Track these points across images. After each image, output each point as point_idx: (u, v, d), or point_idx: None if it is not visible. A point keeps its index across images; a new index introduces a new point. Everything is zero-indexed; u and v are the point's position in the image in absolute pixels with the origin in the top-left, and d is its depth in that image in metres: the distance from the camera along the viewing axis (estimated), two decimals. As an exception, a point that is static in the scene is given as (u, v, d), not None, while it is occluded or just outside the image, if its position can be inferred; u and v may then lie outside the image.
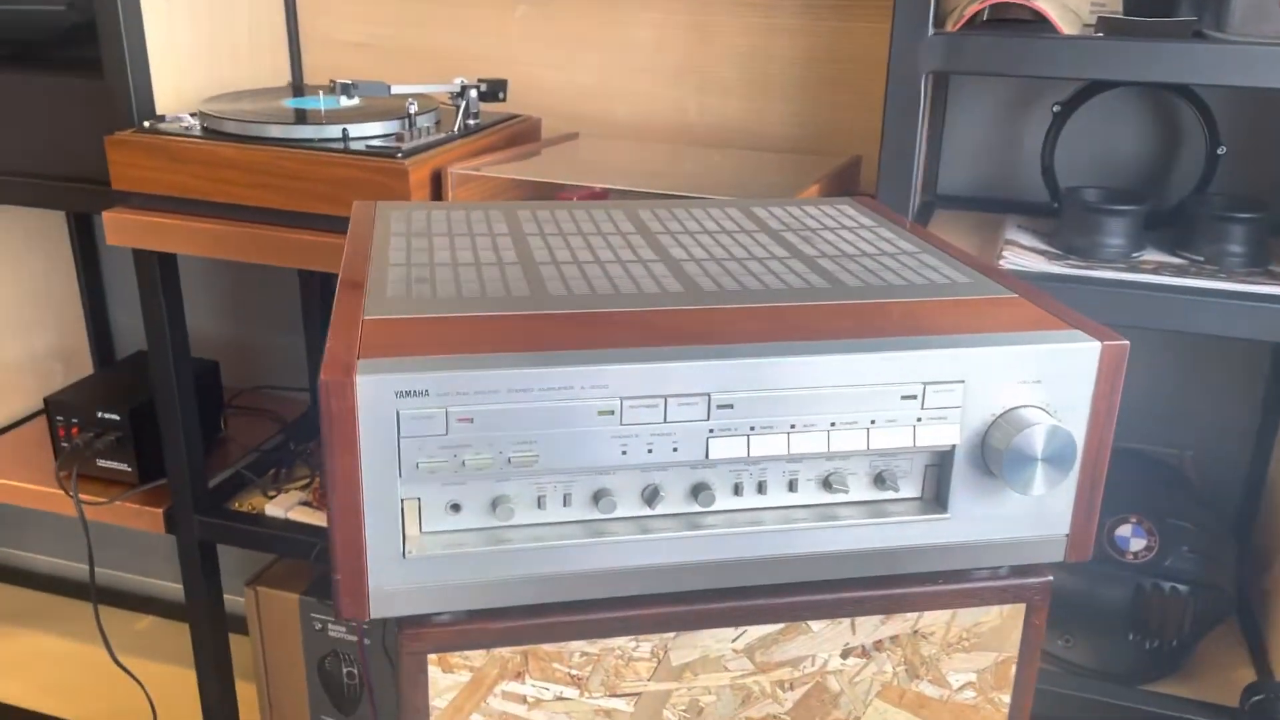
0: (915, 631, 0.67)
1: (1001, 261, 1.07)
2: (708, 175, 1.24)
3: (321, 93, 1.29)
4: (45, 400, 1.49)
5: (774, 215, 0.89)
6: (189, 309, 1.55)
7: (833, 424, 0.60)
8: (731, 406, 0.58)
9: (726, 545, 0.61)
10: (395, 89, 1.21)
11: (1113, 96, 1.25)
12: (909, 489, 0.64)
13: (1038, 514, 0.64)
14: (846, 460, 0.63)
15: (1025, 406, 0.61)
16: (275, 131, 1.17)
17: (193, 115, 1.23)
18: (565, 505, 0.60)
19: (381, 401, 0.54)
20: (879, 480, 0.63)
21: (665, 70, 1.41)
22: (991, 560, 0.65)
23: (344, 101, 1.17)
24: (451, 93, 1.27)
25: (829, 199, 0.96)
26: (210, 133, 1.20)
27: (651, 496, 0.60)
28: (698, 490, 0.61)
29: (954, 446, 0.62)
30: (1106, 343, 0.61)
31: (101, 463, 1.49)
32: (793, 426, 0.59)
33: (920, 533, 0.63)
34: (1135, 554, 1.21)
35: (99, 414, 1.47)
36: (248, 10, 1.44)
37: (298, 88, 1.47)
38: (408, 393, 0.54)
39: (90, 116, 1.27)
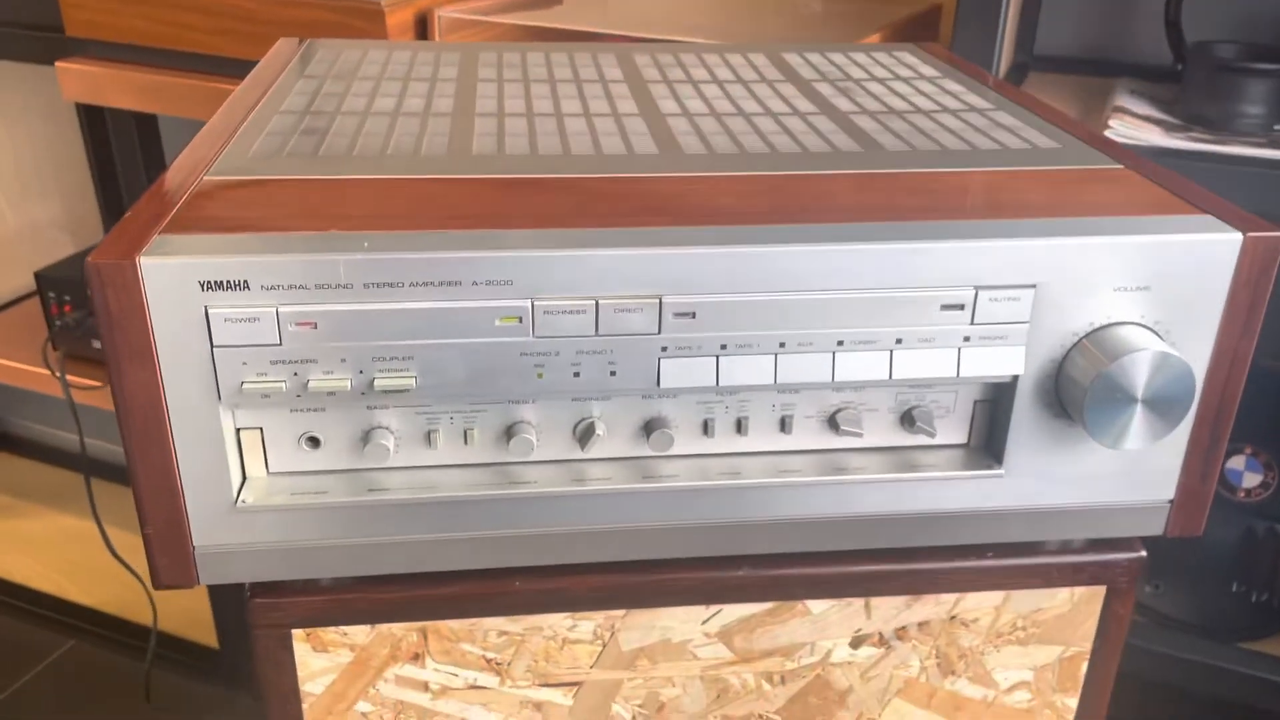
0: (952, 617, 0.50)
1: (1108, 132, 0.86)
2: (758, 25, 1.03)
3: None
4: (35, 275, 1.38)
5: (808, 62, 0.69)
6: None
7: (841, 342, 0.42)
8: (693, 315, 0.41)
9: (690, 504, 0.44)
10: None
11: (1265, -74, 0.99)
12: (949, 433, 0.46)
13: (1132, 473, 0.46)
14: (861, 392, 0.45)
15: (1123, 324, 0.43)
16: (241, -34, 1.00)
17: (156, -51, 1.06)
18: (465, 443, 0.44)
19: (182, 296, 0.38)
20: (907, 420, 0.46)
21: (711, -100, 1.18)
22: (1061, 532, 0.48)
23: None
24: (451, -77, 1.07)
25: (884, 45, 0.75)
26: (173, -30, 1.03)
27: (585, 434, 0.44)
28: (650, 427, 0.44)
29: (1016, 378, 0.44)
30: (1252, 234, 0.42)
31: (96, 343, 1.38)
32: (782, 345, 0.42)
33: (964, 493, 0.46)
34: (1248, 491, 1.01)
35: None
36: None
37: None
38: (218, 284, 0.38)
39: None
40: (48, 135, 1.62)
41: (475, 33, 0.98)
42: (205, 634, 1.54)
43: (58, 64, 1.05)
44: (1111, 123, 0.88)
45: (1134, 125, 0.88)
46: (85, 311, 1.36)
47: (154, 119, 1.26)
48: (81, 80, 1.05)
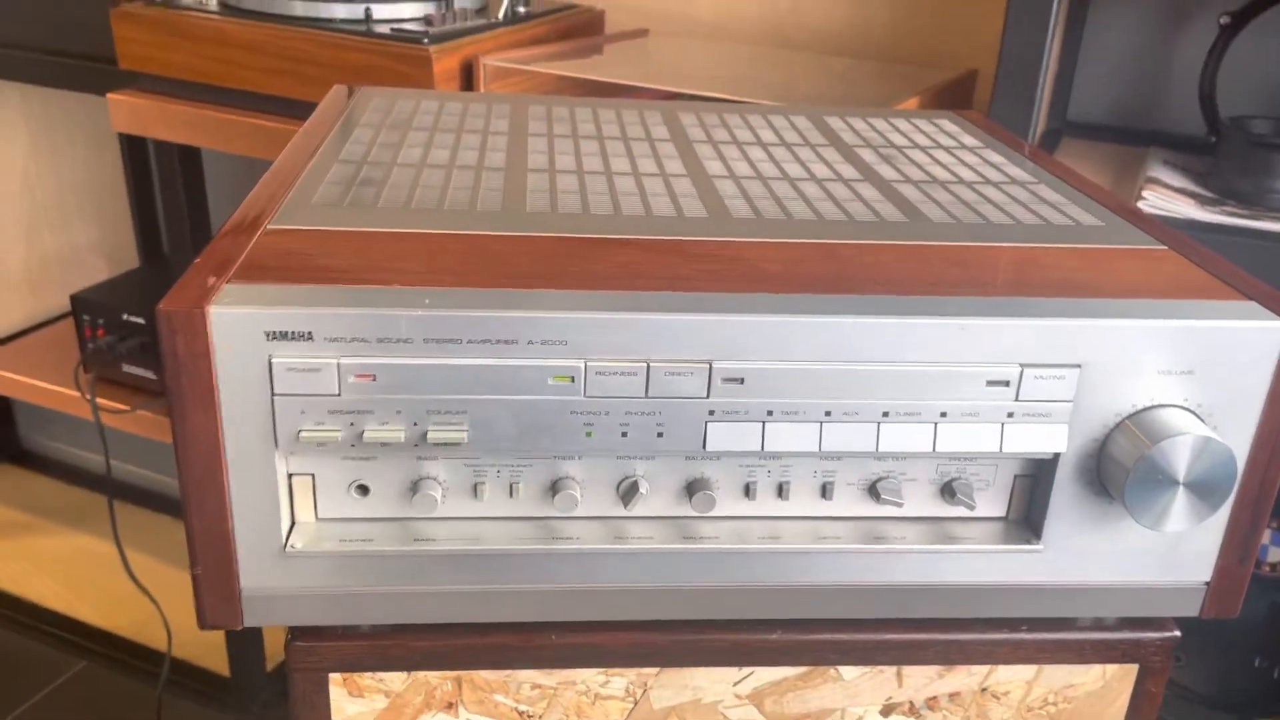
0: (984, 689, 0.50)
1: (1141, 203, 0.86)
2: (794, 83, 1.05)
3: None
4: (71, 298, 1.40)
5: (850, 127, 0.70)
6: (217, 204, 1.44)
7: (886, 414, 0.43)
8: (742, 381, 0.42)
9: (729, 566, 0.45)
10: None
11: (1301, 6, 1.00)
12: (989, 506, 0.47)
13: (1169, 553, 0.46)
14: (903, 462, 0.46)
15: (1166, 406, 0.43)
16: (294, 9, 1.02)
17: (210, -12, 1.09)
18: (511, 496, 0.45)
19: (247, 345, 0.39)
20: (948, 492, 0.46)
21: (753, -41, 1.21)
22: (1096, 609, 0.48)
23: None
24: (499, -26, 1.10)
25: (924, 112, 0.76)
26: (226, 8, 1.05)
27: (629, 493, 0.44)
28: (692, 489, 0.45)
29: (1058, 456, 0.44)
30: (1296, 323, 0.42)
31: (127, 367, 1.39)
32: (828, 414, 0.42)
33: (1002, 566, 0.46)
34: (1273, 566, 1.00)
35: (124, 316, 1.37)
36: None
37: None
38: (283, 334, 0.39)
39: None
40: (90, 162, 1.65)
41: (519, 80, 1.00)
42: (218, 662, 1.54)
43: (109, 96, 1.08)
44: (1145, 194, 0.89)
45: (1168, 197, 0.88)
46: (117, 336, 1.38)
47: (197, 152, 1.28)
48: (131, 112, 1.08)
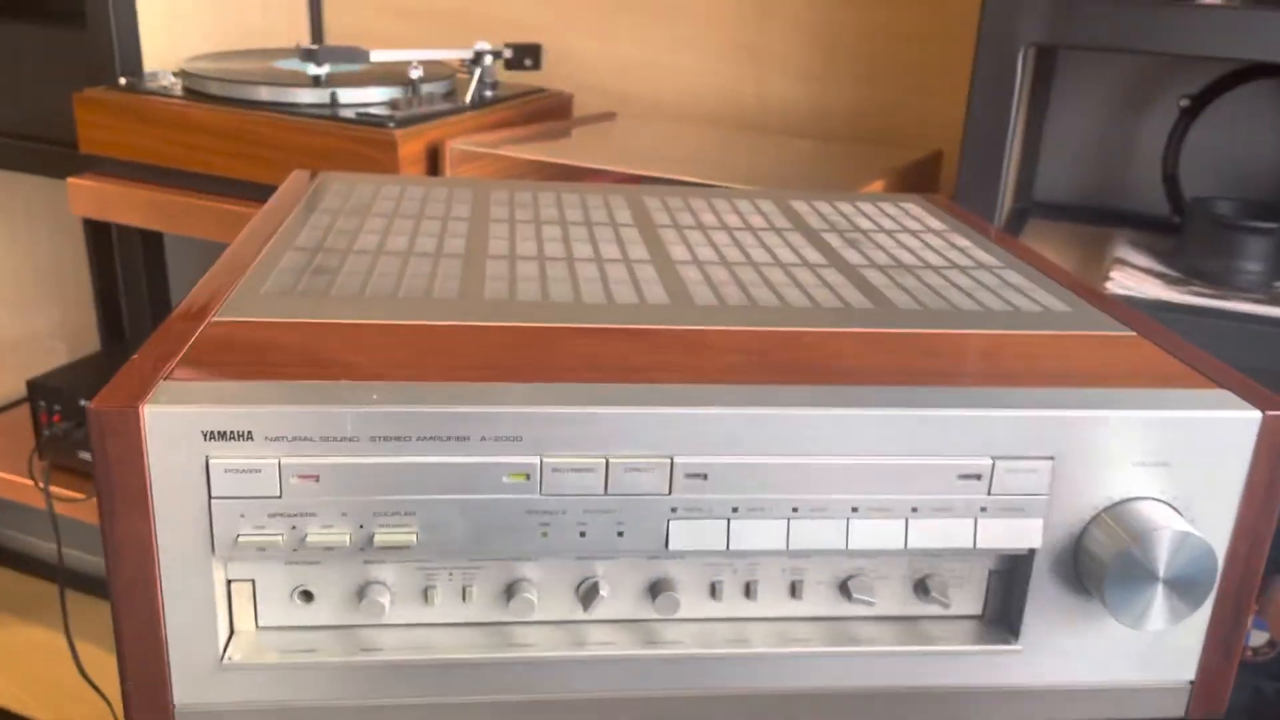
0: (964, 796, 0.48)
1: (1109, 284, 0.87)
2: (759, 166, 1.05)
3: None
4: (27, 383, 1.37)
5: (816, 211, 0.70)
6: (179, 287, 1.42)
7: (855, 509, 0.41)
8: (705, 476, 0.40)
9: (695, 671, 0.43)
10: (380, 55, 1.04)
11: (1254, 90, 1.02)
12: (964, 604, 0.45)
13: (1152, 652, 0.44)
14: (874, 559, 0.44)
15: (1143, 499, 0.42)
16: (259, 94, 1.02)
17: (175, 74, 1.09)
18: (463, 600, 0.42)
19: (183, 445, 0.37)
20: (921, 589, 0.44)
21: (718, 44, 1.23)
22: (1079, 711, 0.46)
23: (313, 70, 1.01)
24: (466, 59, 1.10)
25: (890, 195, 0.76)
26: (191, 93, 1.05)
27: (588, 595, 0.42)
28: (656, 590, 0.43)
29: (1033, 551, 0.42)
30: (1270, 412, 0.41)
31: (83, 454, 1.36)
32: (795, 510, 0.41)
33: (978, 667, 0.44)
34: (1255, 650, 0.99)
35: (81, 402, 1.34)
36: (260, -37, 1.30)
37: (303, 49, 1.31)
38: (221, 434, 0.37)
39: (74, 72, 1.14)
40: (51, 244, 1.63)
41: (485, 164, 1.00)
42: (171, 761, 1.48)
43: (69, 180, 1.06)
44: (1112, 274, 0.89)
45: (1134, 278, 0.89)
46: (74, 422, 1.35)
47: (160, 235, 1.27)
48: (91, 196, 1.06)
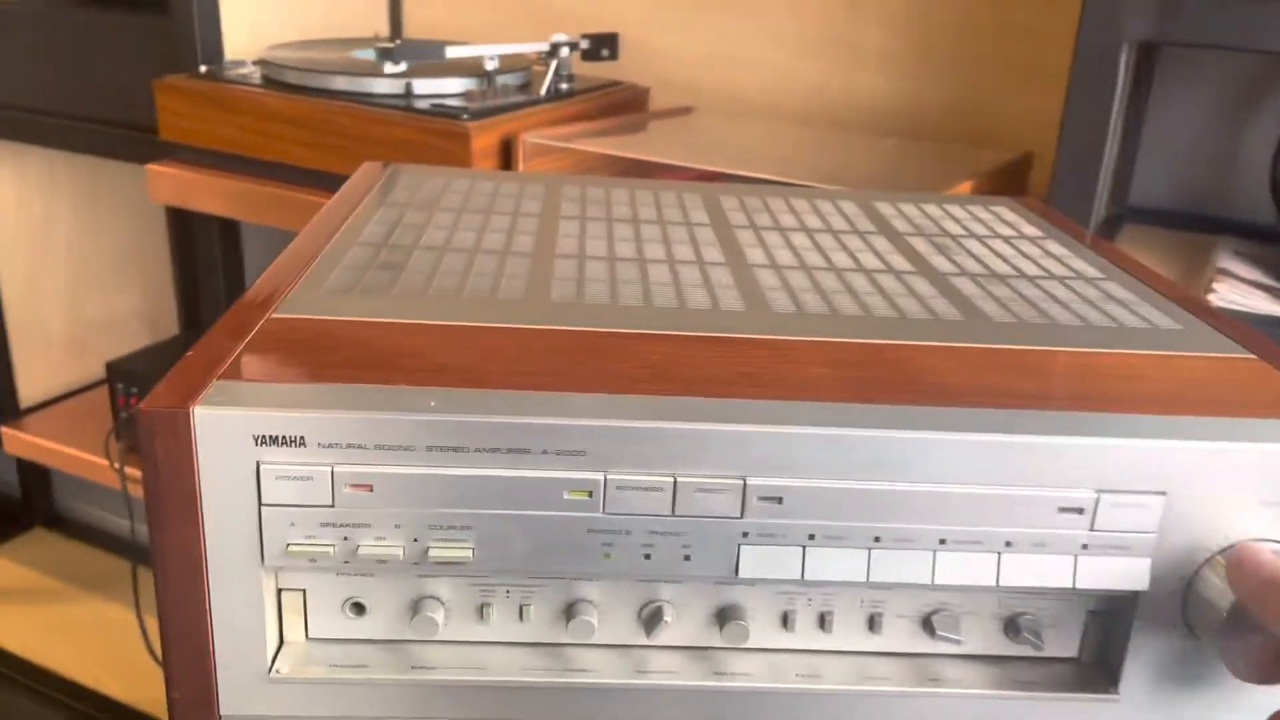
0: None
1: (1212, 296, 0.81)
2: (843, 164, 1.01)
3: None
4: (106, 365, 1.39)
5: (901, 213, 0.66)
6: (254, 275, 1.43)
7: (943, 541, 0.38)
8: (780, 500, 0.37)
9: (765, 706, 0.40)
10: (456, 50, 1.03)
11: (1380, 91, 0.96)
12: (1058, 645, 0.42)
13: (1267, 708, 0.40)
14: (962, 595, 0.41)
15: (1264, 540, 0.38)
16: (336, 83, 1.01)
17: (255, 62, 1.09)
18: (520, 620, 0.40)
19: (234, 449, 0.35)
20: (1011, 629, 0.41)
21: (803, 38, 1.19)
22: (1183, 767, 0.42)
23: (390, 68, 1.00)
24: (542, 52, 1.08)
25: (980, 198, 0.72)
26: (270, 82, 1.05)
27: (652, 620, 0.40)
28: (723, 617, 0.40)
29: (1139, 594, 0.39)
30: None
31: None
32: (877, 540, 0.38)
33: (1072, 715, 0.41)
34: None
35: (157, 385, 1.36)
36: (342, -47, 1.30)
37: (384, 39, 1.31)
38: (273, 439, 0.35)
39: (157, 59, 1.15)
40: (136, 228, 1.66)
41: (558, 158, 0.98)
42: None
43: (148, 167, 1.07)
44: (1215, 286, 0.84)
45: (1239, 290, 0.83)
46: (151, 404, 1.37)
47: (236, 223, 1.28)
48: (170, 183, 1.07)
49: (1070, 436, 0.37)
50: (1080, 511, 0.38)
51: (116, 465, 1.33)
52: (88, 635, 1.76)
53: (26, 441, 1.43)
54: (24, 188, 1.47)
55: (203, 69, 1.08)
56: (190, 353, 0.39)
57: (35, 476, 1.96)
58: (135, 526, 1.35)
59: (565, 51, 1.06)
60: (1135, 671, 0.40)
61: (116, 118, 1.20)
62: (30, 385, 1.54)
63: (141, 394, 1.39)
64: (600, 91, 1.11)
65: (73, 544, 1.99)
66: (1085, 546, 0.38)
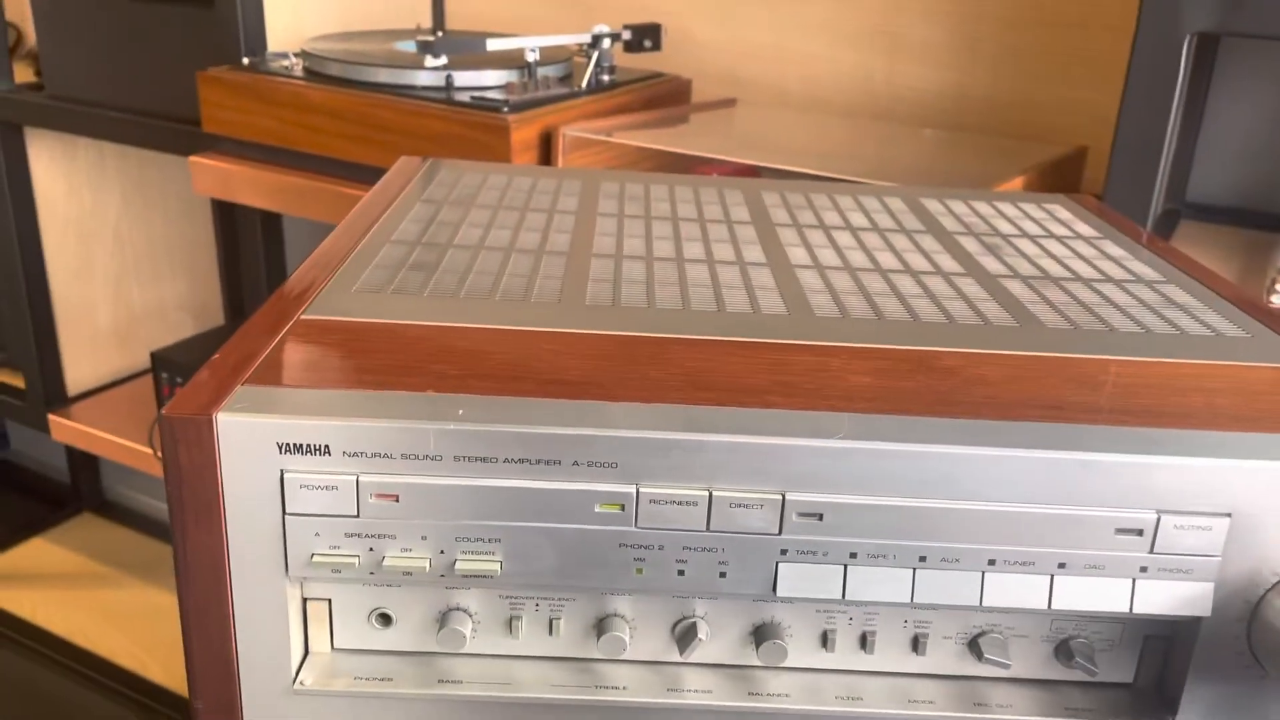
0: None
1: (1273, 298, 0.78)
2: (888, 159, 0.99)
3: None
4: (151, 355, 1.41)
5: (950, 211, 0.64)
6: (296, 265, 1.44)
7: (992, 561, 0.36)
8: (820, 517, 0.36)
9: (799, 725, 0.39)
10: (497, 42, 1.01)
11: None
12: (1112, 670, 0.40)
13: (1337, 741, 0.38)
14: (1011, 616, 0.39)
15: (1338, 566, 0.36)
16: (376, 75, 1.01)
17: (297, 54, 1.09)
18: (550, 634, 0.39)
19: (258, 457, 0.35)
20: (1064, 653, 0.39)
21: (848, 29, 1.16)
22: (1244, 801, 0.40)
23: (430, 62, 0.99)
24: (584, 44, 1.07)
25: (1033, 195, 0.70)
26: (312, 74, 1.04)
27: (685, 636, 0.39)
28: (760, 635, 0.39)
29: (1200, 620, 0.37)
30: None
31: (202, 426, 1.38)
32: (923, 559, 0.36)
33: (1125, 743, 0.39)
34: None
35: (201, 375, 1.37)
36: (385, -56, 1.29)
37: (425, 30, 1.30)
38: (297, 446, 0.34)
39: (202, 51, 1.15)
40: (182, 219, 1.67)
41: (598, 151, 0.96)
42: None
43: (191, 159, 1.07)
44: (1278, 287, 0.80)
45: (1305, 291, 0.80)
46: (195, 395, 1.38)
47: (278, 216, 1.28)
48: (213, 175, 1.07)
49: (1130, 454, 0.35)
50: (1139, 533, 0.36)
51: (159, 454, 1.34)
52: (134, 620, 1.78)
53: (74, 429, 1.45)
54: (74, 178, 1.49)
55: (246, 61, 1.08)
56: (216, 355, 0.38)
57: (84, 462, 1.99)
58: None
59: (607, 43, 1.05)
60: (1195, 700, 0.38)
61: (163, 110, 1.20)
62: (78, 373, 1.56)
63: (186, 384, 1.40)
64: (642, 83, 1.09)
65: (120, 529, 2.02)
66: (1144, 569, 0.36)
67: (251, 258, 1.26)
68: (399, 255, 0.50)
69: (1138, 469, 0.35)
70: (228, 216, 1.74)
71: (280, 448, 0.34)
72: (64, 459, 2.00)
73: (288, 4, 1.17)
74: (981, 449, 0.35)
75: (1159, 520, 0.35)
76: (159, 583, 1.89)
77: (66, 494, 2.02)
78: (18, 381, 1.53)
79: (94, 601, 1.82)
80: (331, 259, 0.49)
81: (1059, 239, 0.60)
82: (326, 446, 0.35)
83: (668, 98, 1.12)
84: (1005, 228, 0.61)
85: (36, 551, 1.93)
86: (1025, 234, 0.60)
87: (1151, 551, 0.36)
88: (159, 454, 1.33)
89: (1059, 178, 0.96)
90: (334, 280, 0.46)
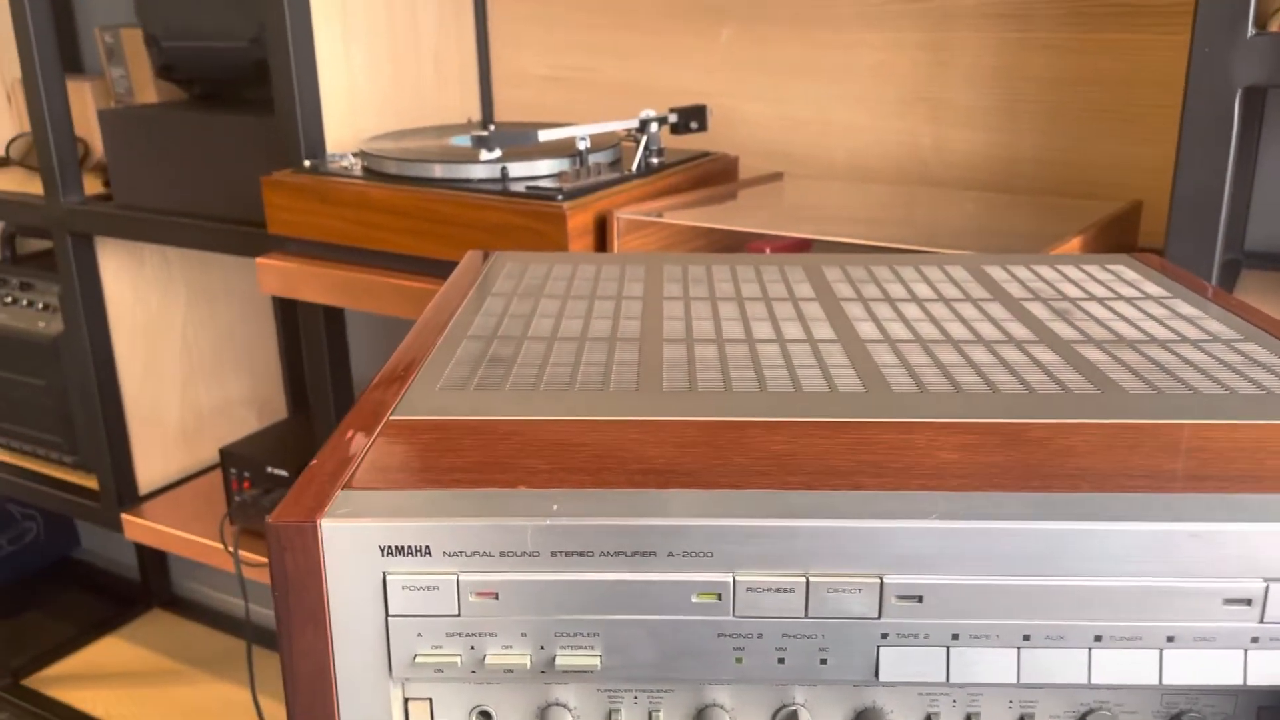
0: None
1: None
2: (940, 224, 0.99)
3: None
4: (220, 451, 1.44)
5: (1014, 276, 0.64)
6: (358, 357, 1.46)
7: (1098, 638, 0.36)
8: (920, 599, 0.35)
9: (908, 813, 0.38)
10: (549, 133, 1.04)
11: None
12: (1230, 745, 0.39)
13: None
14: (1120, 693, 0.38)
15: None
16: (432, 171, 1.04)
17: (355, 154, 1.12)
18: (650, 726, 0.39)
19: (361, 560, 0.35)
20: (1176, 728, 0.38)
21: (892, 98, 1.18)
22: None
23: (485, 156, 1.01)
24: (632, 129, 1.09)
25: (1096, 256, 0.70)
26: (370, 173, 1.08)
27: (787, 724, 0.38)
28: (864, 719, 0.38)
29: (1320, 690, 0.36)
30: None
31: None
32: (1027, 638, 0.36)
33: (1249, 821, 0.37)
34: None
35: (269, 469, 1.40)
36: (434, 43, 1.34)
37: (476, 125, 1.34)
38: (399, 549, 0.35)
39: (266, 156, 1.19)
40: (245, 318, 1.72)
41: (652, 232, 0.98)
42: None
43: (258, 260, 1.11)
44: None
45: (1382, 337, 0.78)
46: (262, 489, 1.40)
47: (340, 310, 1.31)
48: (278, 275, 1.10)
49: (1232, 522, 0.35)
50: (1248, 603, 0.35)
51: (230, 548, 1.36)
52: (207, 716, 1.79)
53: (146, 527, 1.48)
54: (140, 284, 1.54)
55: (306, 164, 1.12)
56: (314, 461, 0.39)
57: (153, 559, 2.02)
58: (250, 607, 1.38)
59: (654, 127, 1.07)
60: (1320, 774, 0.37)
61: (227, 214, 1.25)
62: (148, 473, 1.59)
63: (254, 478, 1.42)
64: (691, 163, 1.11)
65: (190, 624, 2.04)
66: (1255, 640, 0.35)
67: (315, 352, 1.29)
68: (477, 350, 0.51)
69: (1241, 537, 0.34)
70: (289, 312, 1.79)
71: (382, 550, 0.35)
72: (133, 556, 2.03)
73: (343, 105, 1.21)
74: (1082, 524, 0.35)
75: (1267, 589, 0.35)
76: (230, 677, 1.90)
77: (137, 591, 2.05)
78: (91, 483, 1.56)
79: (167, 699, 1.83)
80: (413, 358, 0.50)
81: (1128, 300, 0.59)
82: (427, 547, 0.35)
83: (716, 175, 1.14)
84: (1072, 291, 0.61)
85: (109, 649, 1.95)
86: (1093, 296, 0.60)
87: (1262, 621, 0.35)
88: (229, 547, 1.35)
89: (1116, 234, 0.96)
90: (417, 379, 0.47)
